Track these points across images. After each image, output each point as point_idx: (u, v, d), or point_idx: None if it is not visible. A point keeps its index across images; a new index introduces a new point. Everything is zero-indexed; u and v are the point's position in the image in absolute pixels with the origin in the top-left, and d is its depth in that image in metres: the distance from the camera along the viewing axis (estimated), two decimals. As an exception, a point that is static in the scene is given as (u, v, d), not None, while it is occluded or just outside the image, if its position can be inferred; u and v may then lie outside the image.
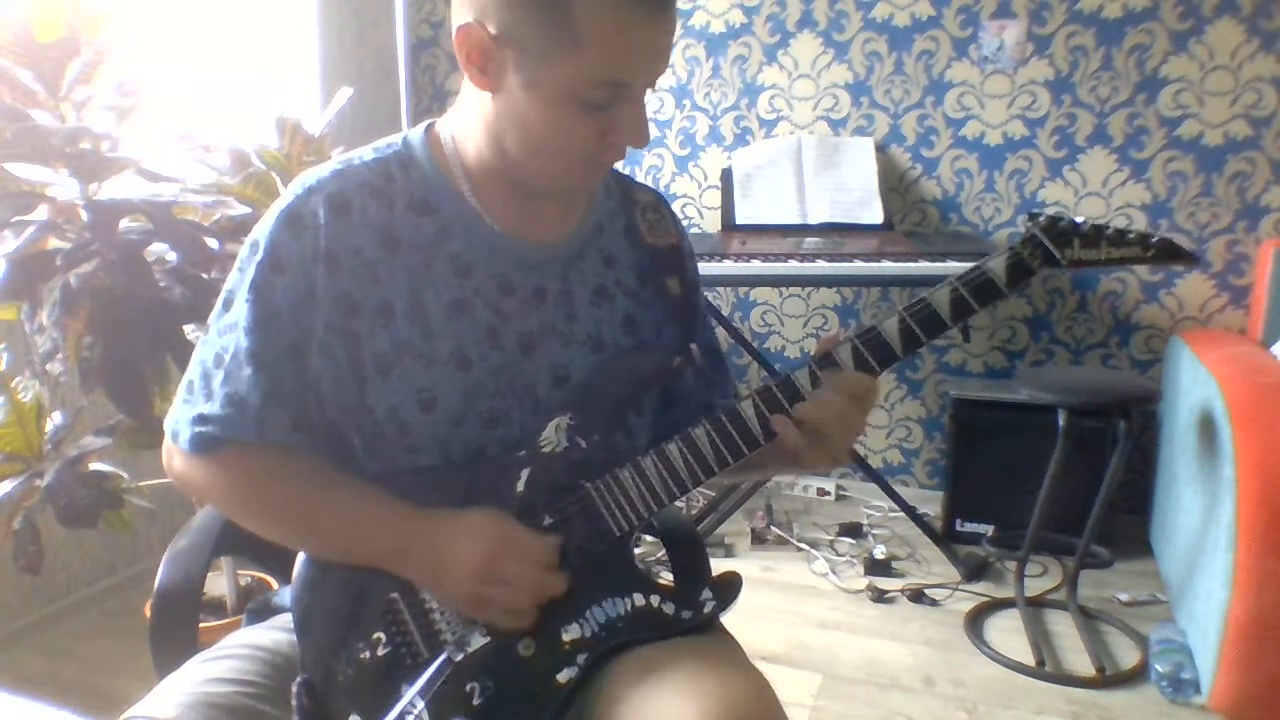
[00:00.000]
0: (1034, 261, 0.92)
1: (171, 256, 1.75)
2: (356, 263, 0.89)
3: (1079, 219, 0.93)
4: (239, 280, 0.91)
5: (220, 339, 0.92)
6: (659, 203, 1.08)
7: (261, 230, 0.91)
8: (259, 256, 0.89)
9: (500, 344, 0.94)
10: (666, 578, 1.01)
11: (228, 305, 0.92)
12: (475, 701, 0.88)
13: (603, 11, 0.79)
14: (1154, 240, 0.92)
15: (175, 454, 0.96)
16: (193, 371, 0.94)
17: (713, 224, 3.13)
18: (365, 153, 0.95)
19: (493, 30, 0.82)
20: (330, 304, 0.89)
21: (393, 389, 0.90)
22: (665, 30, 0.84)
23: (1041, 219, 0.93)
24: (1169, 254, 0.93)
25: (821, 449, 0.92)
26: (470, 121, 0.92)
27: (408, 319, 0.91)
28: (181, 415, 0.93)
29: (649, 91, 0.88)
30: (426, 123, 0.98)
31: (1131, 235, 0.92)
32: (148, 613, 1.27)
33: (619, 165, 0.99)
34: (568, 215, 0.99)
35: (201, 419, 0.91)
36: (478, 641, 0.90)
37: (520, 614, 0.89)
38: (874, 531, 2.89)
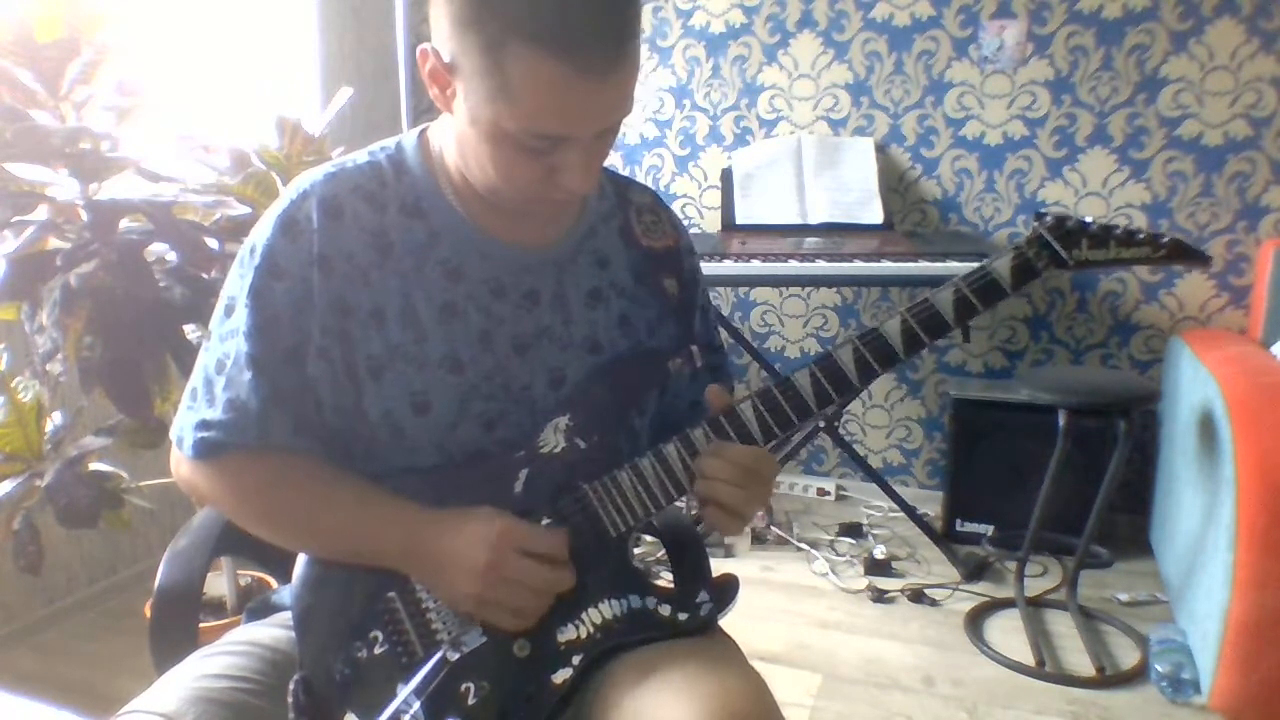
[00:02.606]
0: (1039, 262, 0.91)
1: (171, 256, 1.75)
2: (349, 266, 0.90)
3: (1087, 218, 0.92)
4: (239, 286, 0.91)
5: (222, 345, 0.92)
6: (655, 203, 1.08)
7: (259, 235, 0.91)
8: (257, 261, 0.90)
9: (492, 347, 0.94)
10: (666, 578, 1.01)
11: (229, 311, 0.92)
12: (470, 701, 0.88)
13: (534, 68, 0.76)
14: (1164, 240, 0.92)
15: (182, 461, 0.96)
16: (196, 378, 0.94)
17: (713, 224, 3.13)
18: (360, 156, 0.96)
19: (446, 59, 0.82)
20: (325, 308, 0.89)
21: (386, 392, 0.91)
22: (607, 90, 0.80)
23: (1048, 219, 0.92)
24: (1179, 254, 0.92)
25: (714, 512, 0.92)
26: (450, 132, 0.92)
27: (400, 322, 0.91)
28: (185, 421, 0.94)
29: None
30: (421, 127, 0.99)
31: (1141, 235, 0.91)
32: (148, 613, 1.28)
33: (617, 166, 0.99)
34: (559, 219, 0.99)
35: (204, 424, 0.91)
36: (474, 641, 0.90)
37: (527, 613, 0.89)
38: (874, 531, 2.89)
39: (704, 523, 0.96)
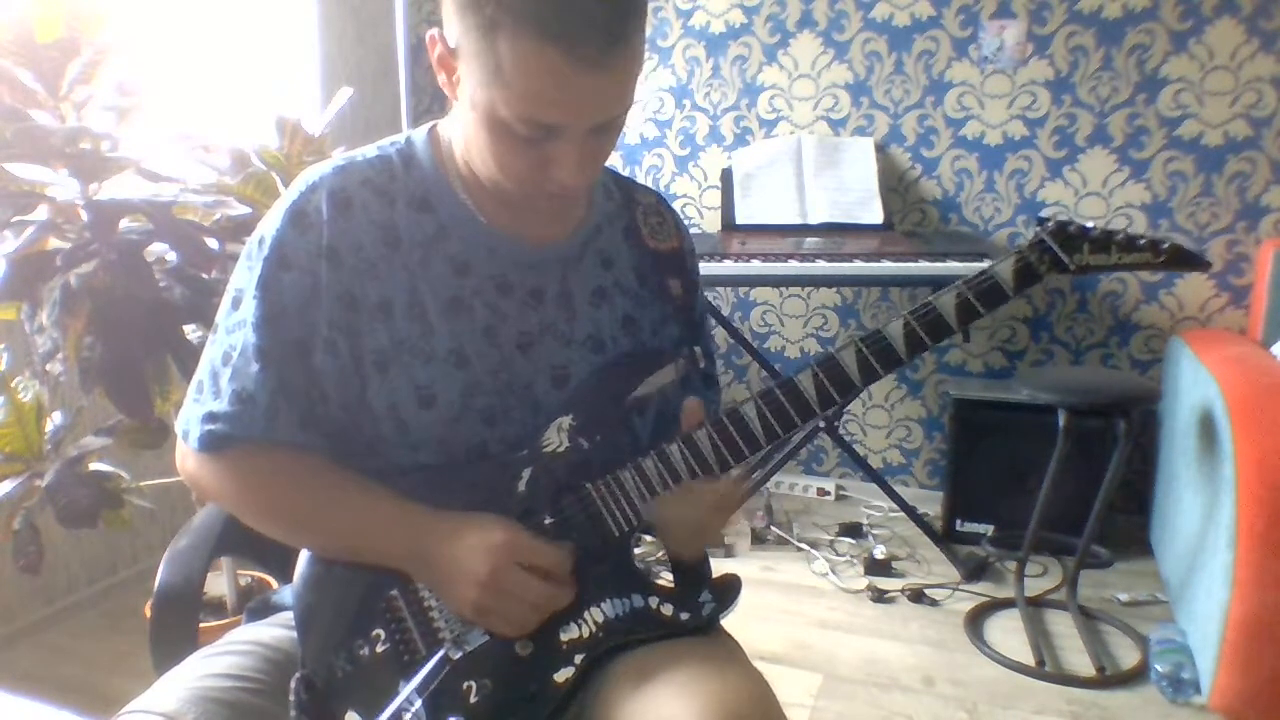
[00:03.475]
0: (1041, 267, 0.91)
1: (171, 256, 1.75)
2: (358, 259, 0.90)
3: (1088, 224, 0.92)
4: (247, 278, 0.91)
5: (228, 337, 0.92)
6: (660, 204, 1.08)
7: (268, 227, 0.91)
8: (265, 253, 0.90)
9: (498, 343, 0.94)
10: (667, 578, 1.01)
11: (236, 304, 0.92)
12: (472, 700, 0.88)
13: (524, 54, 0.76)
14: (1164, 246, 0.92)
15: (187, 455, 0.96)
16: (201, 371, 0.94)
17: (713, 224, 3.13)
18: (369, 150, 0.95)
19: (450, 43, 0.83)
20: (333, 300, 0.89)
21: (391, 385, 0.91)
22: (600, 83, 0.79)
23: (1050, 224, 0.92)
24: (1180, 260, 0.92)
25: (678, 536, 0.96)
26: (457, 124, 0.92)
27: (407, 316, 0.91)
28: (191, 414, 0.93)
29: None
30: (431, 123, 0.99)
31: (1142, 241, 0.92)
32: (148, 613, 1.28)
33: (617, 166, 0.99)
34: (566, 217, 0.99)
35: (210, 417, 0.91)
36: (476, 640, 0.90)
37: (524, 625, 0.89)
38: (874, 531, 2.89)
39: (664, 542, 0.98)
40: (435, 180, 0.94)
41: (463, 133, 0.90)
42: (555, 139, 0.82)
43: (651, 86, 3.15)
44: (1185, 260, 0.93)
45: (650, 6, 3.06)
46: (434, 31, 0.84)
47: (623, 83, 0.81)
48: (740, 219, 2.84)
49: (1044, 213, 2.81)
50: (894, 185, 2.96)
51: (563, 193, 0.88)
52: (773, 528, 2.85)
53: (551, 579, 0.89)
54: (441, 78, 0.87)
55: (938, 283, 0.94)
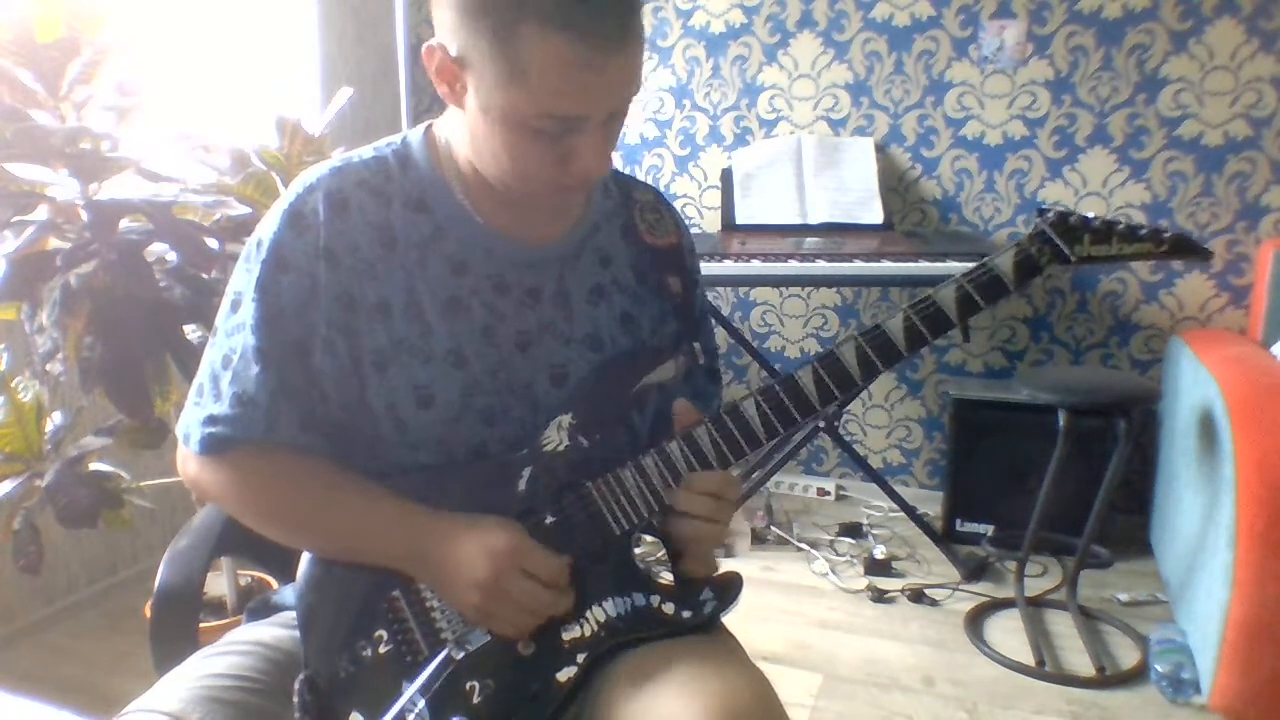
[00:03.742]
0: (1042, 258, 0.91)
1: (171, 256, 1.75)
2: (355, 260, 0.90)
3: (1090, 214, 0.92)
4: (245, 280, 0.91)
5: (228, 340, 0.92)
6: (658, 201, 1.08)
7: (265, 229, 0.91)
8: (263, 255, 0.90)
9: (496, 342, 0.94)
10: (668, 576, 1.01)
11: (235, 306, 0.92)
12: (475, 700, 0.88)
13: (547, 47, 0.77)
14: (1165, 235, 0.92)
15: (188, 458, 0.96)
16: (202, 374, 0.94)
17: (713, 224, 3.13)
18: (365, 151, 0.96)
19: (453, 53, 0.82)
20: (331, 301, 0.89)
21: (390, 385, 0.91)
22: (618, 67, 0.80)
23: (1050, 215, 0.92)
24: (1181, 249, 0.93)
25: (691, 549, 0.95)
26: (458, 128, 0.92)
27: (405, 316, 0.91)
28: (191, 418, 0.94)
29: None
30: (426, 123, 0.99)
31: (1143, 231, 0.92)
32: (148, 613, 1.28)
33: (619, 165, 0.99)
34: (564, 216, 0.99)
35: (211, 420, 0.91)
36: (478, 640, 0.90)
37: (523, 629, 0.89)
38: (874, 531, 2.89)
39: (680, 564, 0.96)
40: (431, 181, 0.94)
41: (470, 138, 0.89)
42: (575, 132, 0.83)
43: (651, 86, 3.15)
44: (1187, 249, 0.93)
45: (650, 6, 3.07)
46: (431, 43, 0.84)
47: (635, 66, 0.83)
48: (740, 219, 2.84)
49: (1045, 206, 2.80)
50: (894, 185, 2.96)
51: (584, 185, 0.89)
52: (773, 528, 2.85)
53: (551, 586, 0.89)
54: (443, 89, 0.86)
55: (938, 283, 0.94)
